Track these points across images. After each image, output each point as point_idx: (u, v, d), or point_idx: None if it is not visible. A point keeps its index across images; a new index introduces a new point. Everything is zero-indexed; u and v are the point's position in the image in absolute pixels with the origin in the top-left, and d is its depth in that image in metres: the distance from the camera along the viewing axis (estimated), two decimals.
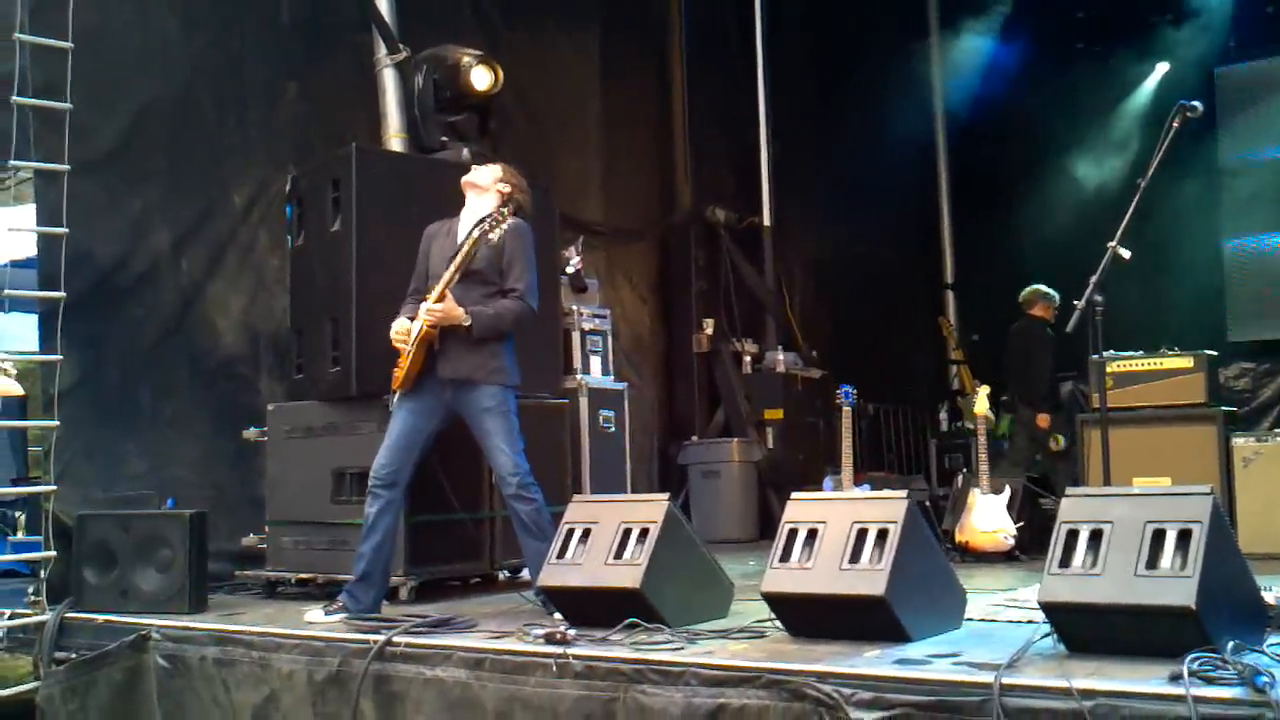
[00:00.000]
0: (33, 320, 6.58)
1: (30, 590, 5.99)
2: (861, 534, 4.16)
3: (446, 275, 5.17)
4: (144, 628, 5.30)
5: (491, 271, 5.27)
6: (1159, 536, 3.56)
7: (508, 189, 5.41)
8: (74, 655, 5.45)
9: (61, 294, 6.03)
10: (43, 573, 5.85)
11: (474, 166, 5.58)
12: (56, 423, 6.14)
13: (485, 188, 5.42)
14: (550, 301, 6.94)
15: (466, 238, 5.20)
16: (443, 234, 5.47)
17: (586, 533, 4.79)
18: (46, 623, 5.61)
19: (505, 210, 5.18)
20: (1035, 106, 12.23)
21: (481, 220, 5.19)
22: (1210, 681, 3.08)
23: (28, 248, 6.68)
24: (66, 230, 6.08)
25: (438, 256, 5.39)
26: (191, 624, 5.29)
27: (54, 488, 6.00)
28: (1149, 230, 8.49)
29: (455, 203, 5.51)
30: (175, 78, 7.20)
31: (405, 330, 5.28)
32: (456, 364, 5.23)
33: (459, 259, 5.16)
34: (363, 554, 5.24)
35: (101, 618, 5.57)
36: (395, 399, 5.36)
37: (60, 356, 6.10)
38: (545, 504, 5.24)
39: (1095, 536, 3.67)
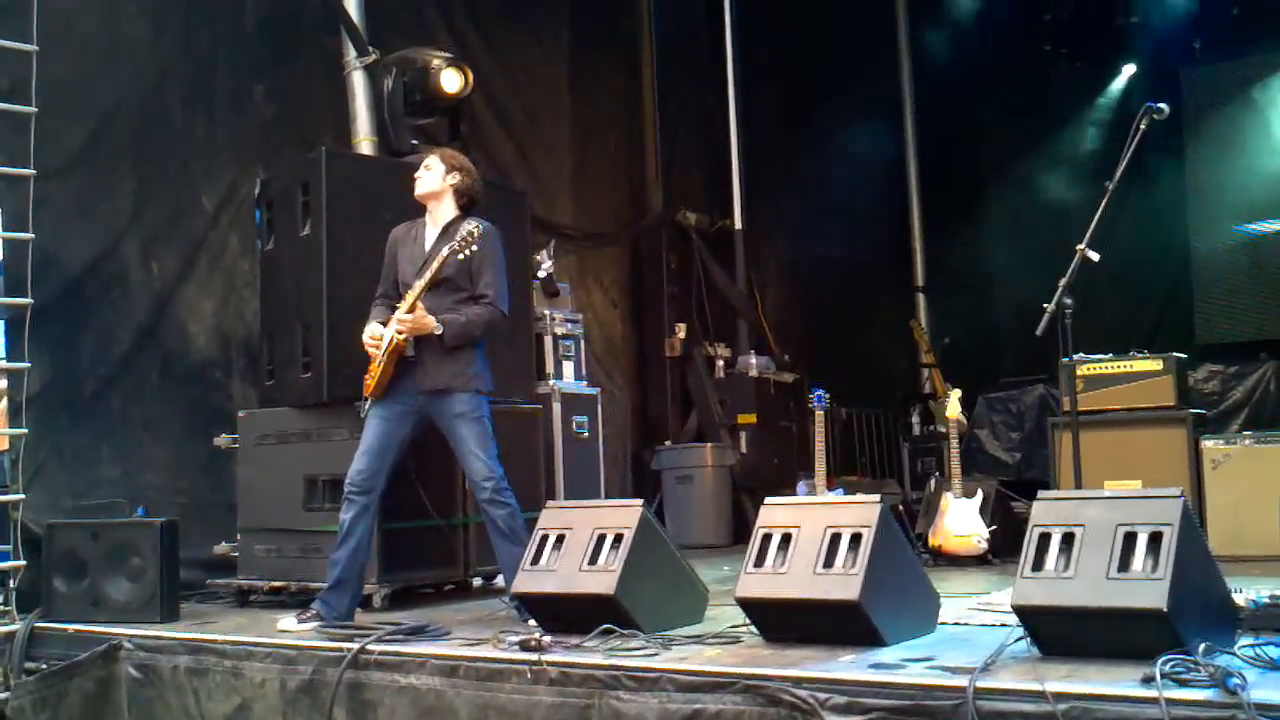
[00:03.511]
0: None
1: None
2: (835, 538, 4.17)
3: (417, 288, 5.15)
4: (115, 637, 5.24)
5: (461, 278, 5.25)
6: (1130, 539, 3.58)
7: (457, 179, 5.38)
8: (44, 666, 5.38)
9: (28, 300, 5.97)
10: (12, 582, 5.78)
11: (416, 176, 5.44)
12: (25, 430, 6.09)
13: (440, 191, 5.38)
14: (522, 306, 6.93)
15: (435, 254, 5.18)
16: (410, 239, 5.44)
17: (560, 539, 4.78)
18: (16, 633, 5.55)
19: (475, 230, 5.10)
20: (1003, 109, 12.33)
21: (450, 234, 5.19)
22: (1182, 683, 3.10)
23: None
24: (33, 235, 6.02)
25: (406, 262, 5.37)
26: (163, 633, 5.24)
27: (23, 496, 5.94)
28: (1118, 232, 8.56)
29: (422, 207, 5.49)
30: (142, 81, 7.15)
31: (378, 336, 5.26)
32: (433, 375, 5.22)
33: (430, 275, 5.14)
34: (337, 560, 5.22)
35: (72, 627, 5.51)
36: (367, 405, 5.34)
37: (29, 364, 6.04)
38: (519, 509, 5.23)
39: (1067, 540, 3.69)
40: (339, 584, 5.20)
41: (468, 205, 5.40)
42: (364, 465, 5.25)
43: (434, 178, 5.40)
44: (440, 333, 5.14)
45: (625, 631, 4.37)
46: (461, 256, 5.08)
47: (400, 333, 5.15)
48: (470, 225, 5.13)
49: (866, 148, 11.92)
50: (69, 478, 6.56)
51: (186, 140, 7.35)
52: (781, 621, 4.24)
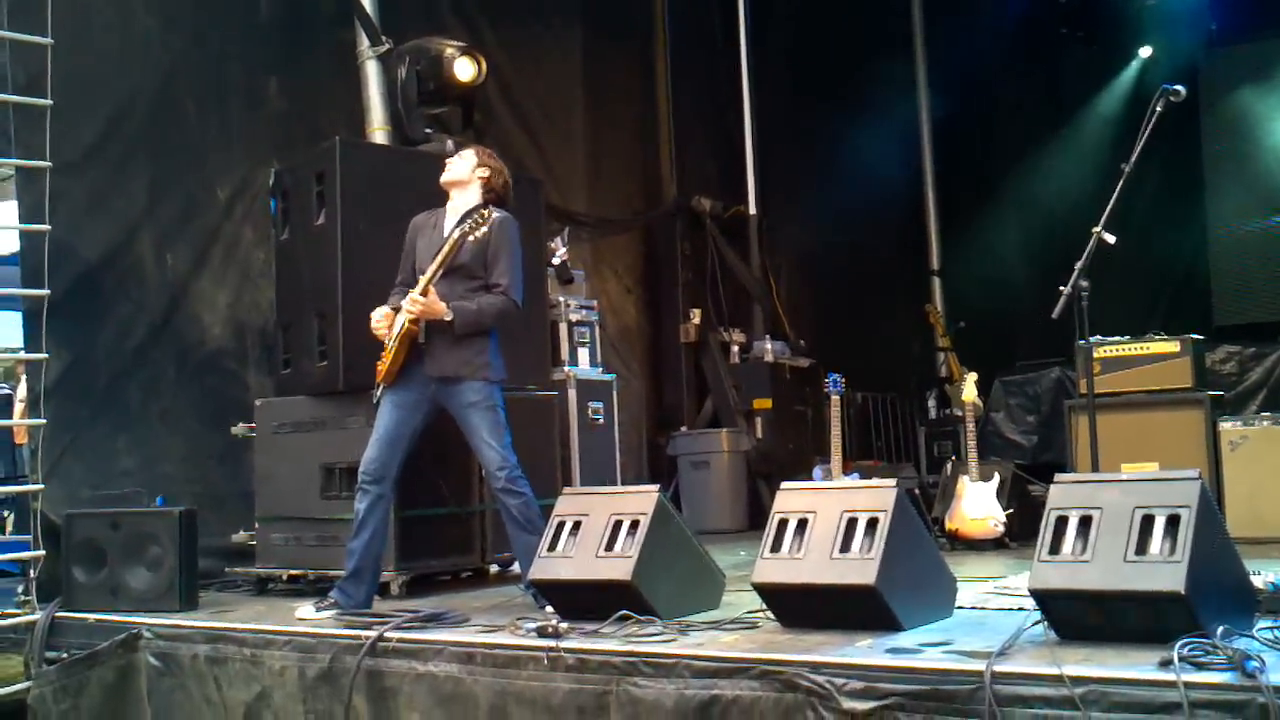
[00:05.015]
0: (17, 317, 6.55)
1: (19, 590, 5.97)
2: (851, 523, 4.17)
3: (430, 271, 5.14)
4: (135, 626, 5.28)
5: (476, 265, 5.23)
6: (1148, 522, 3.57)
7: (487, 173, 5.37)
8: (65, 655, 5.43)
9: (45, 291, 6.00)
10: (32, 572, 5.83)
11: (447, 161, 5.50)
12: (44, 420, 6.12)
13: (467, 180, 5.39)
14: (537, 293, 6.93)
15: (449, 237, 5.18)
16: (429, 226, 5.44)
17: (577, 525, 4.78)
18: (37, 622, 5.59)
19: (486, 212, 5.11)
20: (1019, 92, 12.30)
21: (464, 219, 5.17)
22: (1201, 667, 3.10)
23: (10, 245, 6.65)
24: (49, 227, 6.04)
25: (424, 250, 5.36)
26: (182, 622, 5.28)
27: (41, 486, 5.98)
28: (1134, 214, 8.52)
29: (440, 195, 5.48)
30: (156, 73, 7.16)
31: (385, 316, 5.27)
32: (442, 362, 5.20)
33: (441, 257, 5.13)
34: (353, 550, 5.23)
35: (92, 617, 5.55)
36: (379, 393, 5.35)
37: (46, 355, 6.07)
38: (534, 497, 5.23)
39: (1084, 523, 3.68)
40: (356, 573, 5.22)
41: (493, 203, 5.37)
42: (376, 454, 5.25)
43: (464, 167, 5.40)
44: (451, 319, 5.14)
45: (642, 618, 4.38)
46: (472, 238, 5.07)
47: (411, 316, 5.15)
48: (485, 210, 5.13)
49: (881, 131, 11.87)
50: (87, 468, 6.58)
51: (200, 132, 7.36)
52: (798, 607, 4.24)
